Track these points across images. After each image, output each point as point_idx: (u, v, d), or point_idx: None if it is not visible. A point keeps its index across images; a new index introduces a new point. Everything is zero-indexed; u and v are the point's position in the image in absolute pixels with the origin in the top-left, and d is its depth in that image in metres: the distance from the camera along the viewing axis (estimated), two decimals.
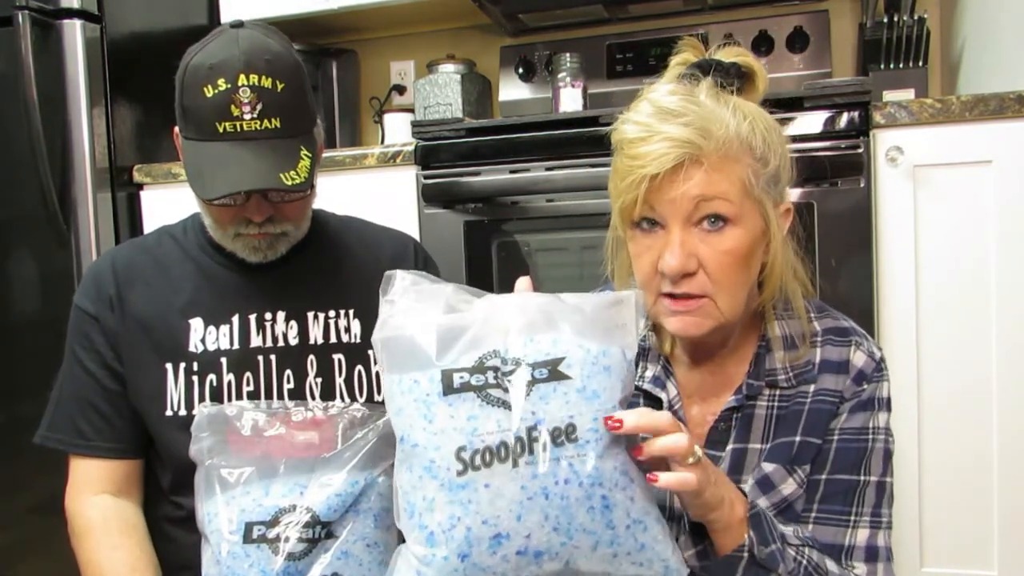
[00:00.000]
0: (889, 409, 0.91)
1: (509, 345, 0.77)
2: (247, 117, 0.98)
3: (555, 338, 0.77)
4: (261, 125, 0.99)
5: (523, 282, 0.86)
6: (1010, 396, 1.33)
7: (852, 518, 0.89)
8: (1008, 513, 1.34)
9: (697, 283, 0.83)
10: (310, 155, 1.02)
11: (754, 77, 0.89)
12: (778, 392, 0.91)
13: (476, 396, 0.75)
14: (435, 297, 0.81)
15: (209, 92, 0.97)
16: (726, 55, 0.89)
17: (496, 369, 0.76)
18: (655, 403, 0.94)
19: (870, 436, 0.89)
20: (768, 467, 0.90)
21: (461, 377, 0.75)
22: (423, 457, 0.73)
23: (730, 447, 0.91)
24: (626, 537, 0.75)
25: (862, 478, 0.89)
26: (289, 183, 0.98)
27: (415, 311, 0.79)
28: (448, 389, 0.75)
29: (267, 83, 0.99)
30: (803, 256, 0.92)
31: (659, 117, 0.82)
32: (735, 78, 0.87)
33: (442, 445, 0.73)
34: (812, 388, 0.90)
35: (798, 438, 0.89)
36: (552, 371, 0.76)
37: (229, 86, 0.97)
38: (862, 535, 0.88)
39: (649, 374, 0.95)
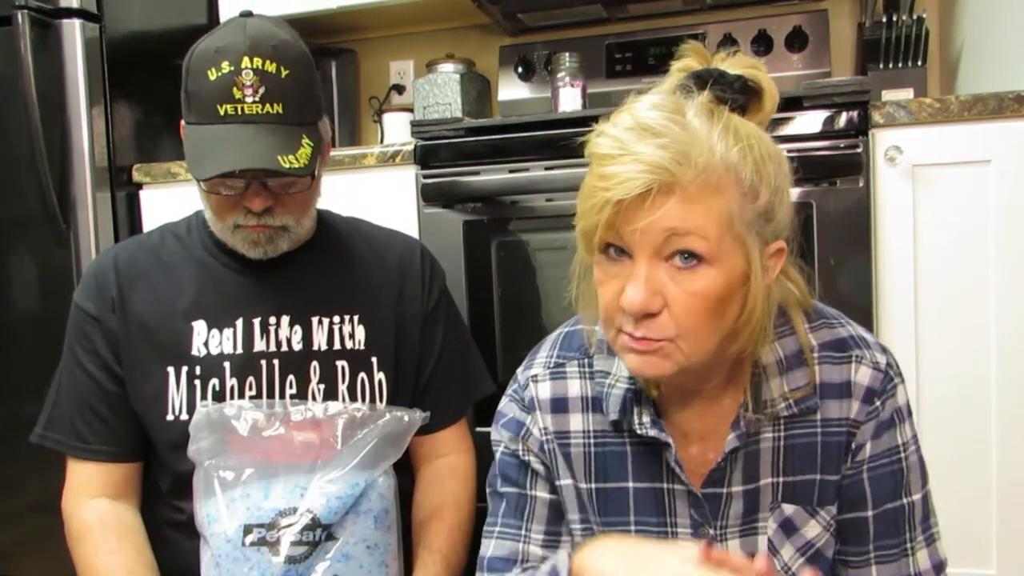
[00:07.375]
0: (910, 414, 0.84)
1: None
2: (248, 100, 0.97)
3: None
4: (263, 109, 0.97)
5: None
6: (1009, 395, 1.33)
7: (908, 545, 0.83)
8: (1007, 512, 1.34)
9: (658, 326, 0.72)
10: (312, 144, 1.00)
11: (761, 94, 0.77)
12: (782, 422, 0.83)
13: None
14: None
15: (213, 75, 0.97)
16: (733, 65, 0.77)
17: None
18: (655, 447, 0.85)
19: (901, 454, 0.82)
20: (788, 509, 0.83)
21: None
22: None
23: (741, 488, 0.84)
24: None
25: (905, 501, 0.83)
26: (286, 166, 0.95)
27: None
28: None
29: (271, 68, 0.97)
30: (800, 263, 0.83)
31: (636, 134, 0.71)
32: (739, 93, 0.75)
33: None
34: (819, 416, 0.82)
35: (817, 477, 0.83)
36: None
37: (232, 68, 0.96)
38: (923, 558, 0.83)
39: (647, 420, 0.84)
